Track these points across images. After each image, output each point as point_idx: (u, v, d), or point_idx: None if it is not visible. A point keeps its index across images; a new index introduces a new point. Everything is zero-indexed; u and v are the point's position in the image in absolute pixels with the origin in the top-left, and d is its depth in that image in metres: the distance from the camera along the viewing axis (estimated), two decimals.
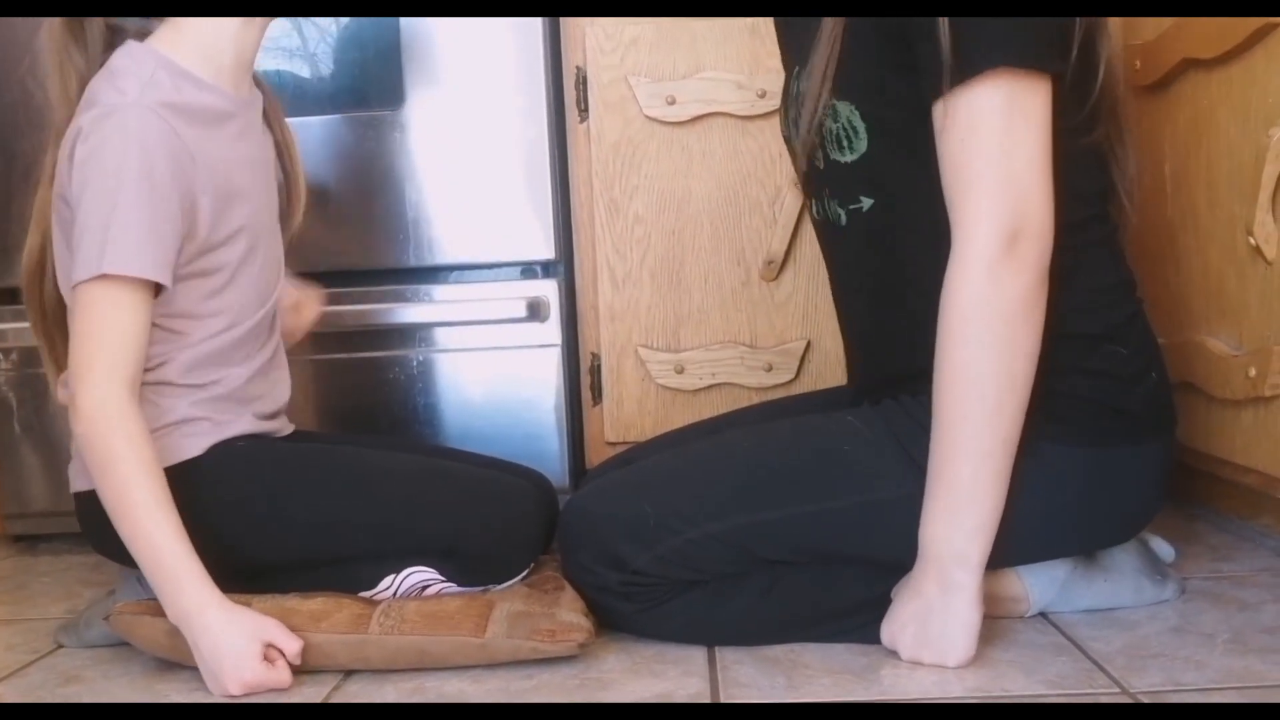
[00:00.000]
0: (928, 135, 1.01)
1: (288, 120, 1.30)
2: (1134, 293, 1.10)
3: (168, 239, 1.06)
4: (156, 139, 1.06)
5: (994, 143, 0.96)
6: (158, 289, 1.08)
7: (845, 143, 1.07)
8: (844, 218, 1.11)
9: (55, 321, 1.15)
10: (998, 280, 0.96)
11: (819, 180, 1.14)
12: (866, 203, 1.09)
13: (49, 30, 1.13)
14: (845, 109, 1.06)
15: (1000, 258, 0.96)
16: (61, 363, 1.15)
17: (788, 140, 1.19)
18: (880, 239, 1.10)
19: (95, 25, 1.12)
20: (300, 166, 1.28)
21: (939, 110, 0.99)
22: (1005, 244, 0.96)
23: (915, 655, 1.01)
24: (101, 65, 1.11)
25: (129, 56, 1.10)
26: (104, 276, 1.04)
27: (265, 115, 1.24)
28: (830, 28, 1.07)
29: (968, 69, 0.95)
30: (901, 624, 1.02)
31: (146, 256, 1.04)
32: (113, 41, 1.12)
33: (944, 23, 0.95)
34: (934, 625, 1.00)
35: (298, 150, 1.28)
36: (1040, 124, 0.97)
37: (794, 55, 1.16)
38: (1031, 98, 0.97)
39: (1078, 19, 1.00)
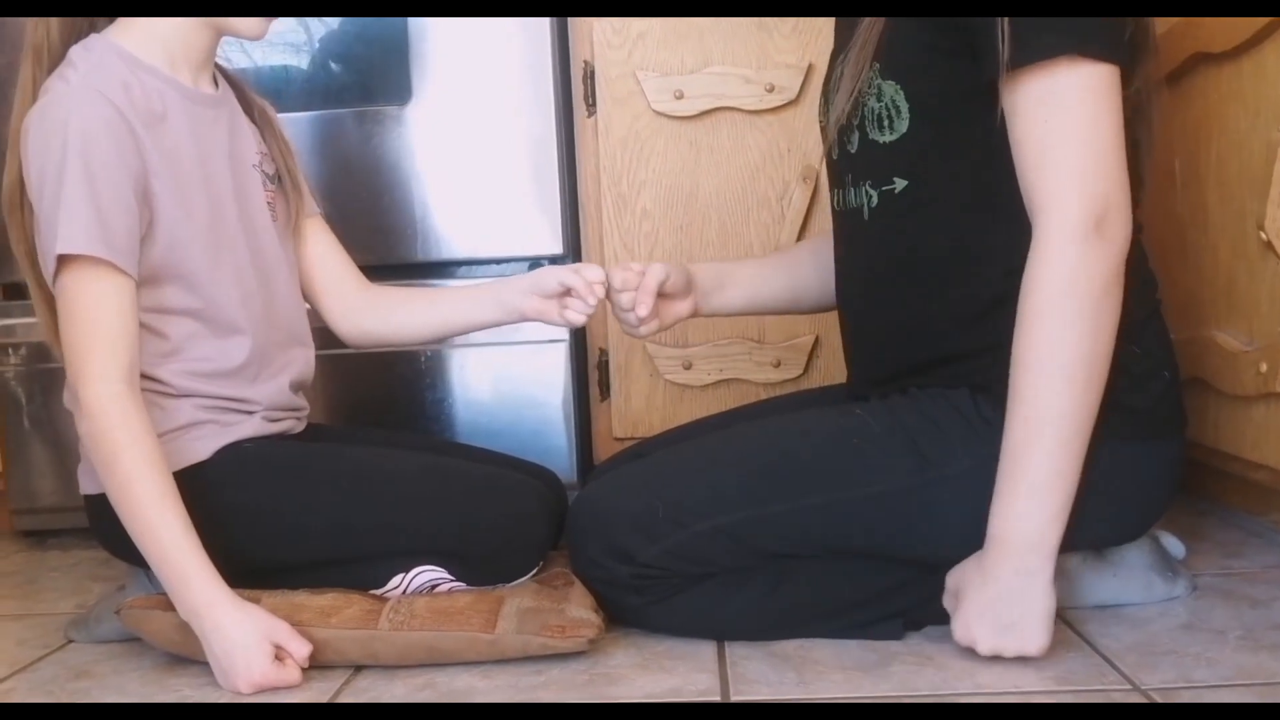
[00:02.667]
0: (970, 118, 1.01)
1: (291, 116, 1.29)
2: (1154, 293, 1.10)
3: (119, 221, 1.05)
4: (96, 120, 1.05)
5: (1079, 124, 0.96)
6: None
7: (886, 122, 1.07)
8: (875, 199, 1.10)
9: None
10: (1085, 259, 0.95)
11: (848, 165, 1.14)
12: (900, 184, 1.08)
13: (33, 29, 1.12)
14: (890, 88, 1.06)
15: (1089, 236, 0.95)
16: None
17: (823, 128, 1.19)
18: (909, 221, 1.09)
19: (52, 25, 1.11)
20: (298, 177, 1.27)
21: (1010, 91, 0.98)
22: (1094, 223, 0.95)
23: (997, 646, 0.99)
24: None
25: (83, 47, 1.10)
26: (70, 266, 1.03)
27: (256, 121, 1.24)
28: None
29: (1047, 51, 0.95)
30: (978, 613, 0.99)
31: (95, 234, 1.03)
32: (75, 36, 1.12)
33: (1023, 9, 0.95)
34: (1013, 613, 0.98)
35: (295, 161, 1.27)
36: (1118, 110, 0.97)
37: (841, 44, 1.16)
38: (1109, 84, 0.97)
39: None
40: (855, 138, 1.11)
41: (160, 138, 1.10)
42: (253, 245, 1.18)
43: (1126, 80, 1.01)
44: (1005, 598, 0.99)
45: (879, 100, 1.07)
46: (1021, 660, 1.00)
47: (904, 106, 1.06)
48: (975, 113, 1.01)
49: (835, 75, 1.15)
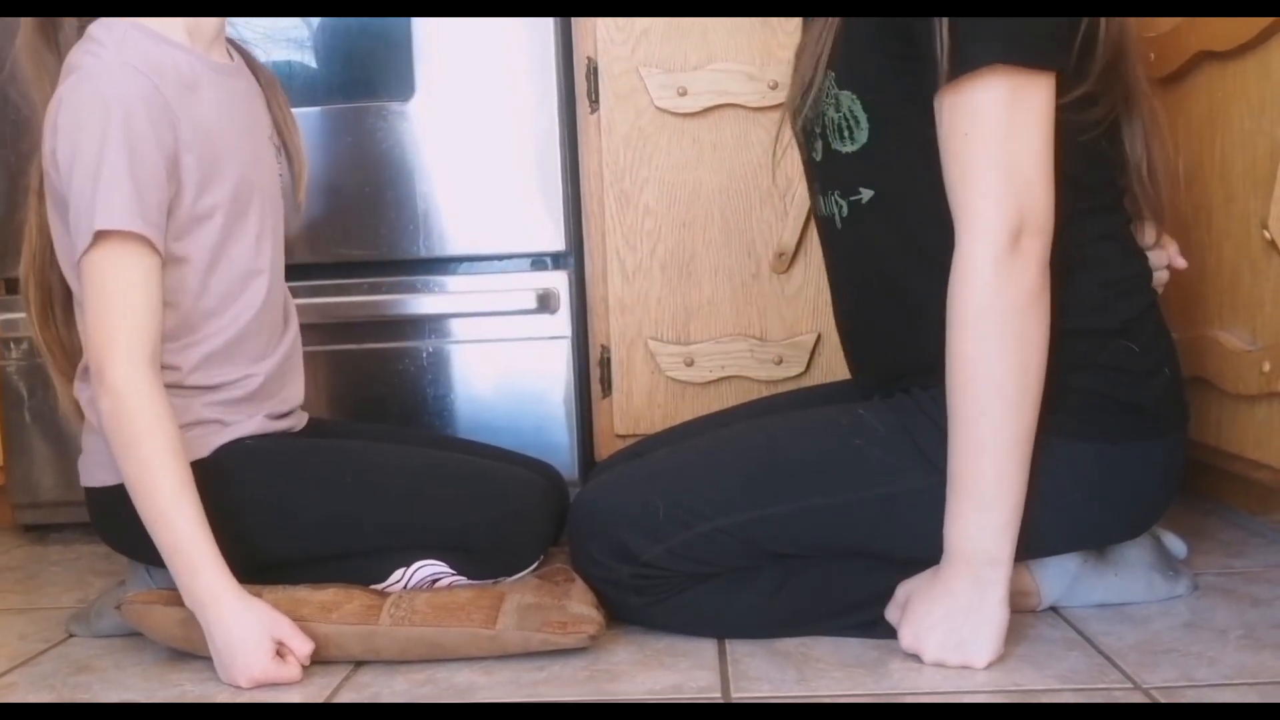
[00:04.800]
0: (929, 126, 1.00)
1: (294, 108, 1.29)
2: (1147, 286, 1.10)
3: (153, 196, 1.05)
4: (134, 95, 1.05)
5: (997, 138, 0.96)
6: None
7: (846, 133, 1.06)
8: (845, 209, 1.10)
9: (61, 324, 1.15)
10: (1005, 274, 0.96)
11: (815, 172, 1.14)
12: (866, 194, 1.08)
13: (23, 37, 1.12)
14: (847, 98, 1.05)
15: (1006, 252, 0.96)
16: (63, 368, 1.15)
17: (793, 130, 1.18)
18: (878, 231, 1.09)
19: (68, 22, 1.12)
20: (301, 143, 1.27)
21: (940, 104, 0.98)
22: (1010, 239, 0.96)
23: (941, 658, 0.99)
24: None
25: (103, 26, 1.10)
26: (104, 242, 1.03)
27: (264, 90, 1.24)
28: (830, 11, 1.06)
29: (969, 63, 0.95)
30: (929, 626, 1.00)
31: (135, 211, 1.03)
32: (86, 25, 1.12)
33: (945, 18, 0.95)
34: (966, 627, 0.99)
35: (298, 130, 1.27)
36: (1043, 117, 0.97)
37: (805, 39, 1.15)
38: (1034, 92, 0.96)
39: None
40: (819, 146, 1.11)
41: (191, 109, 1.10)
42: (261, 221, 1.18)
43: (1076, 82, 1.00)
44: (960, 610, 0.99)
45: (837, 110, 1.06)
46: (1023, 659, 1.00)
47: (862, 117, 1.05)
48: (934, 119, 1.00)
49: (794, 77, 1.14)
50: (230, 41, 1.23)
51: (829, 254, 1.19)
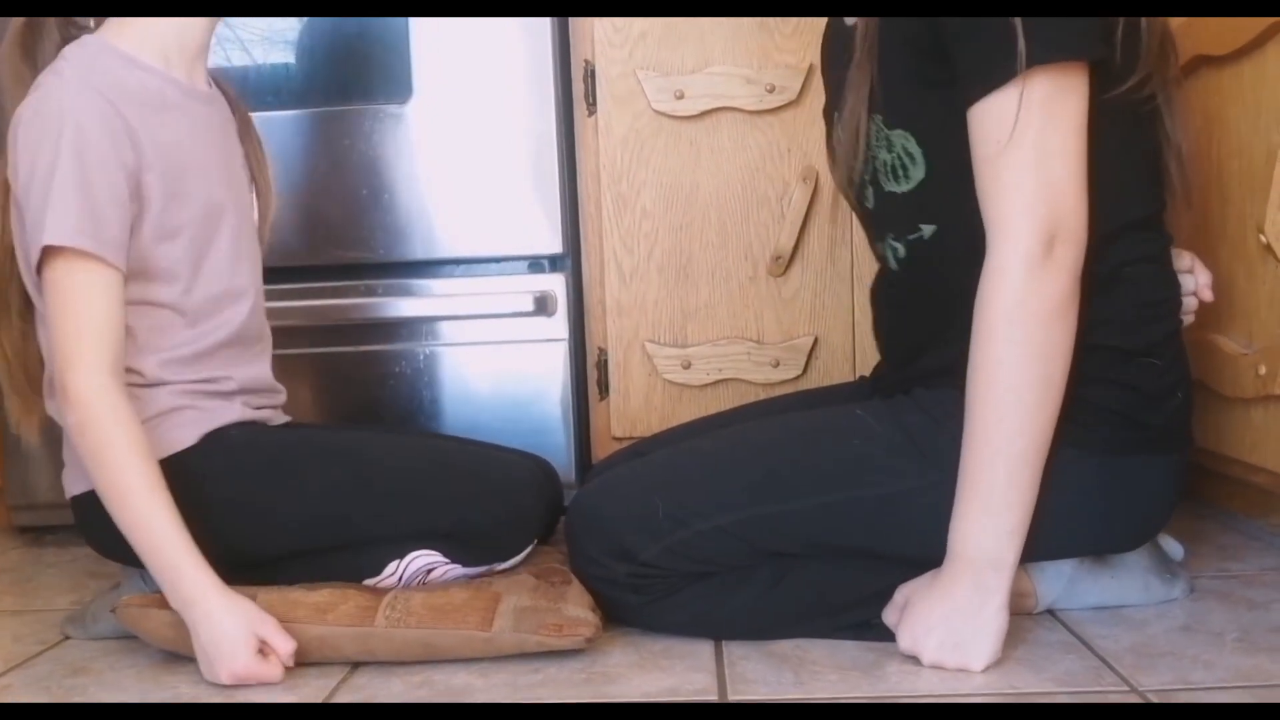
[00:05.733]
0: None
1: (292, 114, 1.29)
2: (1178, 310, 1.09)
3: (110, 214, 1.05)
4: (90, 114, 1.05)
5: (1029, 146, 0.95)
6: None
7: (901, 172, 1.06)
8: (902, 249, 1.10)
9: (17, 334, 1.14)
10: (1036, 282, 0.95)
11: (869, 221, 1.15)
12: (928, 230, 1.07)
13: (5, 53, 1.13)
14: (900, 137, 1.05)
15: (1039, 260, 0.95)
16: (14, 379, 1.15)
17: (839, 187, 1.17)
18: (940, 264, 1.08)
19: (50, 33, 1.13)
20: (270, 180, 1.28)
21: (973, 115, 0.98)
22: (1043, 247, 0.95)
23: (939, 660, 0.99)
24: None
25: (76, 46, 1.11)
26: (57, 257, 1.03)
27: (239, 127, 1.25)
28: (860, 57, 1.05)
29: (1000, 74, 0.95)
30: (928, 628, 1.00)
31: (85, 227, 1.03)
32: (69, 39, 1.12)
33: (975, 29, 0.95)
34: (966, 629, 0.99)
35: (268, 167, 1.28)
36: (1076, 125, 0.97)
37: (834, 101, 1.15)
38: (1066, 98, 0.96)
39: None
40: (870, 193, 1.11)
41: (155, 129, 1.10)
42: (235, 242, 1.18)
43: (1120, 80, 1.00)
44: (959, 614, 0.99)
45: (889, 151, 1.06)
46: (1020, 662, 1.00)
47: (917, 152, 1.05)
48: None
49: (836, 134, 1.14)
50: (215, 79, 1.23)
51: (884, 292, 1.18)
